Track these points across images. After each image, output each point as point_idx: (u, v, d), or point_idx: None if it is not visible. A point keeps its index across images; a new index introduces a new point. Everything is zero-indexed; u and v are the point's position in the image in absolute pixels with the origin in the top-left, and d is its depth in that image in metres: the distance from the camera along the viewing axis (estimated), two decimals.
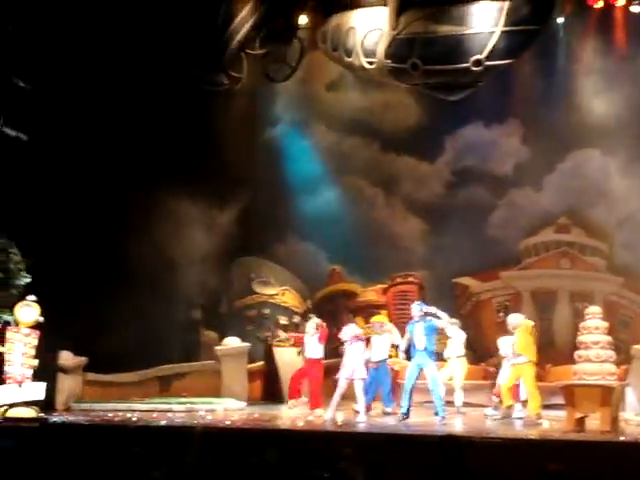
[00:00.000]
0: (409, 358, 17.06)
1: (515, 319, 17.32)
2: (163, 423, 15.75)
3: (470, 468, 11.23)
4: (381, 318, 18.65)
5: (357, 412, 16.92)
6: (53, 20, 18.80)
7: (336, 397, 16.89)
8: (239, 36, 19.70)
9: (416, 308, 16.97)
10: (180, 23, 19.26)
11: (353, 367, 16.75)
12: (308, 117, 22.88)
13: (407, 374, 16.87)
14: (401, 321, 19.11)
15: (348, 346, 16.95)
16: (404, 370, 18.24)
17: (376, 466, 10.96)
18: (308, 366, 17.83)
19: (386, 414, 17.71)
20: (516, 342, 17.04)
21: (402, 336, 17.53)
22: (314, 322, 17.92)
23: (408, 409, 16.61)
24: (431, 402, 16.95)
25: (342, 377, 16.87)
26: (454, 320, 18.23)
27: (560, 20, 19.65)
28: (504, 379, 17.43)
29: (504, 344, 17.62)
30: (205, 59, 19.79)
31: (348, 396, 16.96)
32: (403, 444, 13.41)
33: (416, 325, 16.74)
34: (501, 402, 17.57)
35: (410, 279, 23.09)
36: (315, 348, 17.73)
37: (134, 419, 16.44)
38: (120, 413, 17.45)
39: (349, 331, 17.14)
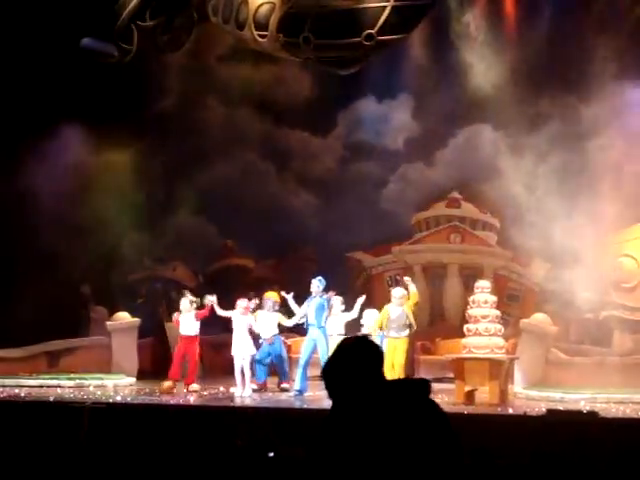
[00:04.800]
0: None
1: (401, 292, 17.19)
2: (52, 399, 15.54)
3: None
4: (274, 296, 18.35)
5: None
6: None
7: (237, 375, 16.84)
8: (129, 7, 19.37)
9: (315, 283, 17.00)
10: None
11: (240, 343, 16.79)
12: (200, 90, 22.62)
13: (302, 349, 16.89)
14: (294, 297, 19.01)
15: (235, 320, 16.95)
16: (296, 344, 18.28)
17: (268, 442, 10.95)
18: (184, 343, 17.77)
19: (283, 390, 17.63)
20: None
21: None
22: (188, 299, 17.84)
23: (303, 384, 16.63)
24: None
25: (234, 354, 16.87)
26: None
27: None
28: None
29: (368, 317, 17.40)
30: (95, 31, 19.42)
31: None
32: (297, 420, 13.43)
33: (313, 300, 16.83)
34: None
35: (303, 254, 23.05)
36: (190, 325, 17.67)
37: (22, 395, 16.22)
38: (7, 389, 17.17)
39: (241, 304, 17.14)
